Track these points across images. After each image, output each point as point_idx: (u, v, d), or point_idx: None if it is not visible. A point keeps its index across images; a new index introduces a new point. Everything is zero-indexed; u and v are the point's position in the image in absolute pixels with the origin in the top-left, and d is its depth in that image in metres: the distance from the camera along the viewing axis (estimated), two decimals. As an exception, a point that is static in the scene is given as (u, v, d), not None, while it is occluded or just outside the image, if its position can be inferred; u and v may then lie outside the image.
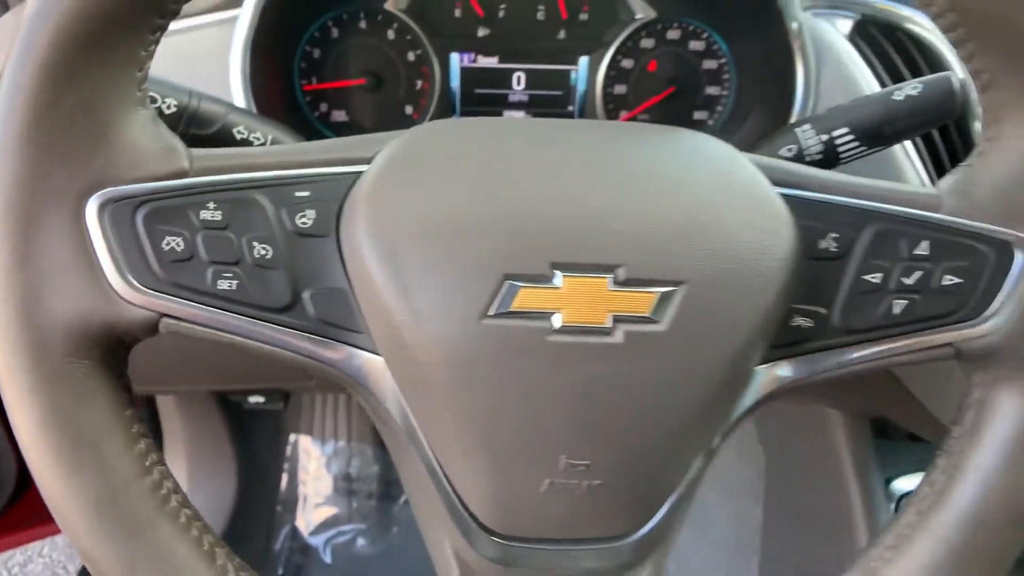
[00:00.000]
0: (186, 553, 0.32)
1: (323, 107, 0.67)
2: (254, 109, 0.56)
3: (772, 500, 1.01)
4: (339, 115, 0.67)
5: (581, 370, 0.31)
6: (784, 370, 0.35)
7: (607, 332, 0.31)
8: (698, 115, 0.70)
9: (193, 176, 0.32)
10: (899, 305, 0.34)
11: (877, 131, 0.45)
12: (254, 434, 1.22)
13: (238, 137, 0.46)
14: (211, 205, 0.32)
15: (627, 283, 0.31)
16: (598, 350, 0.31)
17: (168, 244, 0.31)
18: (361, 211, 0.32)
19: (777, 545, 0.99)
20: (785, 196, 0.35)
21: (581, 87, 0.68)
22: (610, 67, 0.67)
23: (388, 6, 0.64)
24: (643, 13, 0.66)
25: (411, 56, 0.66)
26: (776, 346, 0.35)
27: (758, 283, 0.32)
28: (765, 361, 0.35)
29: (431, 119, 0.67)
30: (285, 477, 1.31)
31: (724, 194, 0.34)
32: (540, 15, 0.66)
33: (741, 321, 0.32)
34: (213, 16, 0.56)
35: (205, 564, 0.32)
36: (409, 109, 0.67)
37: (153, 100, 0.44)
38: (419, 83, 0.67)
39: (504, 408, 0.31)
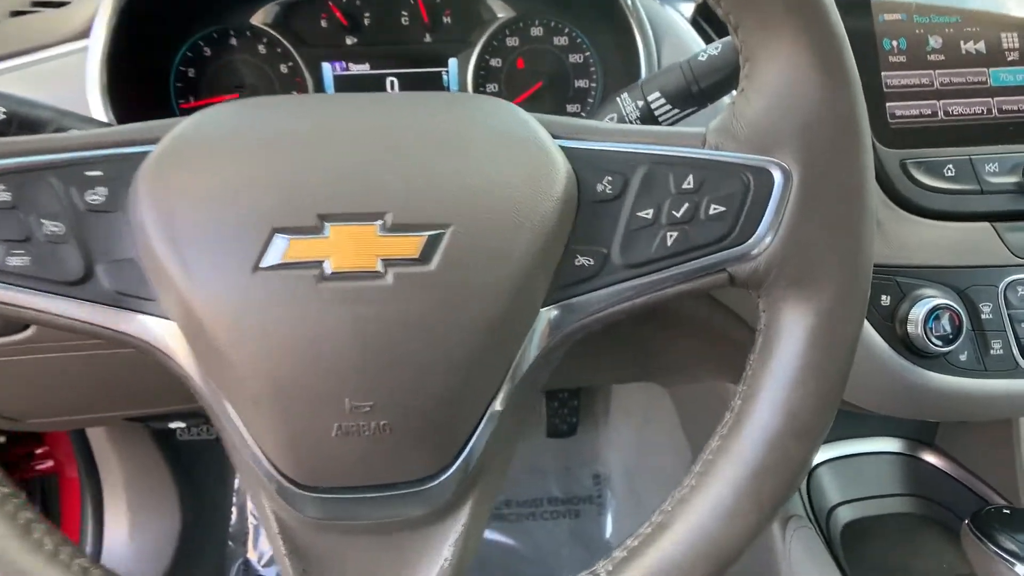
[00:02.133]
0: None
1: (204, 124, 0.69)
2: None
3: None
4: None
5: (354, 312, 0.32)
6: (571, 308, 0.37)
7: (377, 275, 0.33)
8: (571, 108, 0.72)
9: None
10: (671, 237, 0.36)
11: (686, 92, 0.48)
12: (197, 467, 1.22)
13: None
14: (0, 188, 0.33)
15: (395, 228, 0.33)
16: (370, 292, 0.32)
17: None
18: (145, 184, 0.34)
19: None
20: (564, 147, 0.37)
21: (454, 87, 0.71)
22: (479, 66, 0.70)
23: (255, 21, 0.67)
24: (504, 13, 0.70)
25: (284, 68, 0.69)
26: (562, 285, 0.37)
27: (531, 223, 0.34)
28: (552, 302, 0.36)
29: (309, 127, 0.70)
30: (235, 510, 1.30)
31: (499, 145, 0.36)
32: (404, 21, 0.69)
33: (513, 259, 0.34)
34: (64, 47, 0.58)
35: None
36: (288, 120, 0.70)
37: None
38: (294, 94, 0.69)
39: (285, 356, 0.32)
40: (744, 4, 0.34)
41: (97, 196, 0.34)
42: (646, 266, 0.37)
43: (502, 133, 0.37)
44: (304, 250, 0.32)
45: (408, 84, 0.70)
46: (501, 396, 0.36)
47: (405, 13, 0.69)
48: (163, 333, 0.35)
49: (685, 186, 0.36)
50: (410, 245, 0.33)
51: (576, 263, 0.37)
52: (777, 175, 0.36)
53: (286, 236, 0.32)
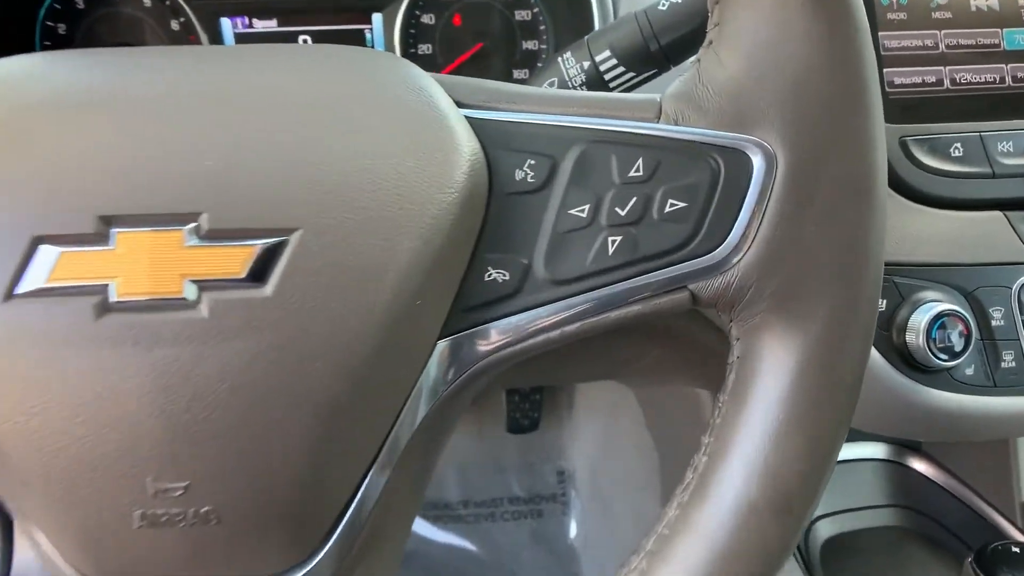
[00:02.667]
0: None
1: (80, 90, 0.58)
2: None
3: (671, 496, 0.94)
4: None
5: (152, 358, 0.23)
6: (481, 339, 0.27)
7: (186, 304, 0.23)
8: (518, 74, 0.62)
9: None
10: (614, 243, 0.27)
11: (643, 50, 0.38)
12: None
13: None
14: None
15: (212, 236, 0.23)
16: (174, 328, 0.23)
17: None
18: None
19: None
20: (471, 119, 0.27)
21: (379, 48, 0.60)
22: (408, 24, 0.60)
23: (135, -33, 0.56)
24: (436, -41, 0.59)
25: (175, 25, 0.58)
26: (467, 308, 0.27)
27: (419, 224, 0.25)
28: (455, 331, 0.27)
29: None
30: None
31: (380, 117, 0.26)
32: (318, -32, 0.58)
33: (390, 277, 0.24)
34: None
35: None
36: (182, 86, 0.59)
37: None
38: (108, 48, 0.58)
39: (55, 419, 0.23)
40: None
41: None
42: (580, 282, 0.27)
43: (386, 98, 0.27)
44: (80, 268, 0.22)
45: (324, 43, 0.59)
46: (383, 459, 0.27)
47: (319, -42, 0.58)
48: None
49: (633, 174, 0.27)
50: (233, 259, 0.23)
51: (486, 277, 0.27)
52: (757, 159, 0.26)
53: (54, 248, 0.22)
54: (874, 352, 0.47)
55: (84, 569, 0.25)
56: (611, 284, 0.27)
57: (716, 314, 0.29)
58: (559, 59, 0.40)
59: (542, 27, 0.61)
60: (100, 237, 0.22)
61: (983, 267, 0.48)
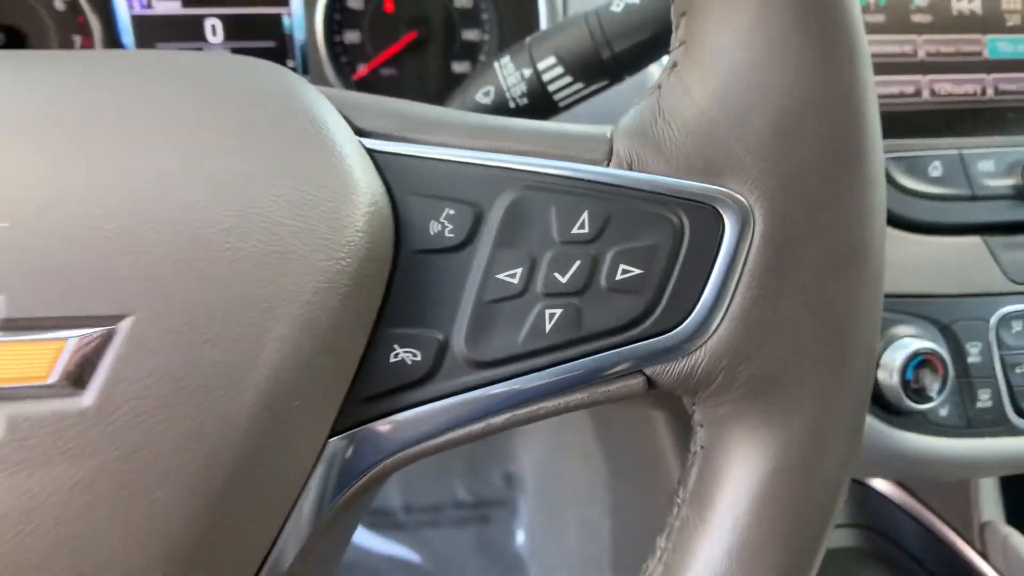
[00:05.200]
0: None
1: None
2: None
3: (619, 509, 0.91)
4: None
5: None
6: (389, 433, 0.22)
7: None
8: (458, 67, 0.56)
9: None
10: (552, 316, 0.21)
11: (593, 58, 0.33)
12: None
13: None
14: None
15: (8, 327, 0.17)
16: None
17: None
18: None
19: (628, 556, 0.89)
20: (374, 152, 0.21)
21: (299, 36, 0.53)
22: (332, 9, 0.53)
23: (7, -66, 0.48)
24: (364, -64, 0.52)
25: (59, 4, 0.50)
26: (367, 399, 0.21)
27: (298, 305, 0.19)
28: (353, 424, 0.21)
29: (99, 86, 0.51)
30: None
31: (247, 152, 0.20)
32: (227, -58, 0.51)
33: (262, 374, 0.19)
34: None
35: None
36: (70, 74, 0.51)
37: None
38: (78, 39, 0.51)
39: None
40: None
41: None
42: (509, 364, 0.22)
43: (252, 125, 0.20)
44: None
45: (236, 29, 0.53)
46: None
47: (227, -69, 0.51)
48: None
49: (577, 230, 0.21)
50: (40, 359, 0.17)
51: (392, 358, 0.21)
52: (729, 217, 0.21)
53: None
54: (843, 392, 0.43)
55: None
56: (548, 367, 0.22)
57: (672, 398, 0.24)
58: (496, 65, 0.34)
59: (485, 15, 0.55)
60: None
61: (961, 298, 0.44)
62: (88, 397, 0.17)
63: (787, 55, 0.20)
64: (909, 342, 0.42)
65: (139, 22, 0.51)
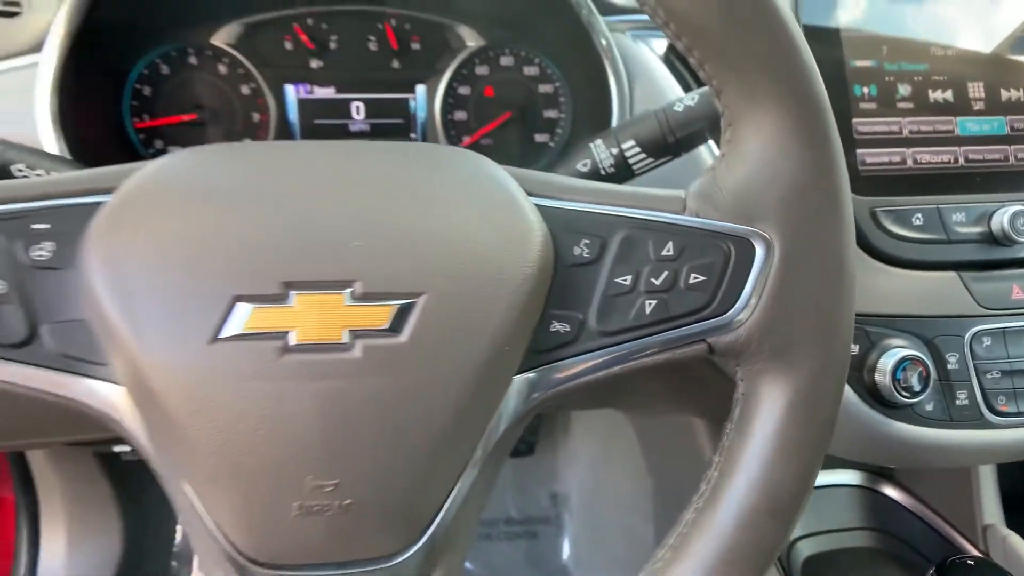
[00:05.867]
0: None
1: (158, 144, 0.66)
2: (66, 150, 0.54)
3: (662, 516, 1.02)
4: (175, 151, 0.66)
5: (319, 387, 0.30)
6: (546, 375, 0.35)
7: (345, 348, 0.31)
8: (539, 138, 0.71)
9: None
10: (650, 305, 0.35)
11: (661, 142, 0.47)
12: (141, 487, 1.17)
13: (18, 175, 0.45)
14: None
15: (364, 298, 0.31)
16: (336, 366, 0.31)
17: None
18: (98, 240, 0.31)
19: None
20: (539, 207, 0.36)
21: (420, 114, 0.69)
22: (447, 94, 0.68)
23: (216, 41, 0.64)
24: (474, 41, 0.68)
25: (245, 90, 0.66)
26: (536, 352, 0.35)
27: (506, 290, 0.33)
28: (527, 368, 0.35)
29: (270, 152, 0.67)
30: (179, 529, 1.26)
31: (472, 205, 0.34)
32: (372, 46, 0.67)
33: (489, 329, 0.32)
34: (13, 62, 0.54)
35: None
36: (248, 142, 0.67)
37: None
38: (256, 116, 0.67)
39: (243, 431, 0.30)
40: (728, 70, 0.33)
41: (43, 252, 0.32)
42: (623, 334, 0.35)
43: (477, 191, 0.35)
44: (267, 320, 0.30)
45: (374, 110, 0.68)
46: (470, 467, 0.35)
47: (373, 38, 0.67)
48: (113, 399, 0.32)
49: (665, 253, 0.35)
50: (379, 315, 0.31)
51: (551, 329, 0.35)
52: (759, 246, 0.35)
53: (248, 305, 0.30)
54: (848, 389, 0.55)
55: (246, 548, 0.33)
56: (646, 336, 0.35)
57: (724, 361, 0.37)
58: (591, 145, 0.49)
59: (562, 99, 0.70)
60: (282, 297, 0.30)
61: (940, 319, 0.57)
62: (403, 337, 0.31)
63: (791, 155, 0.34)
64: (899, 351, 0.54)
65: (303, 103, 0.67)
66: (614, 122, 0.60)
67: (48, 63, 0.54)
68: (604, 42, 0.59)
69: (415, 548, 0.34)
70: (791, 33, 0.33)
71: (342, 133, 0.68)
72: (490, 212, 0.34)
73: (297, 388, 0.30)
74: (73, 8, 0.54)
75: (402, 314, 0.31)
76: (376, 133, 0.69)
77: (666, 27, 0.34)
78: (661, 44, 0.64)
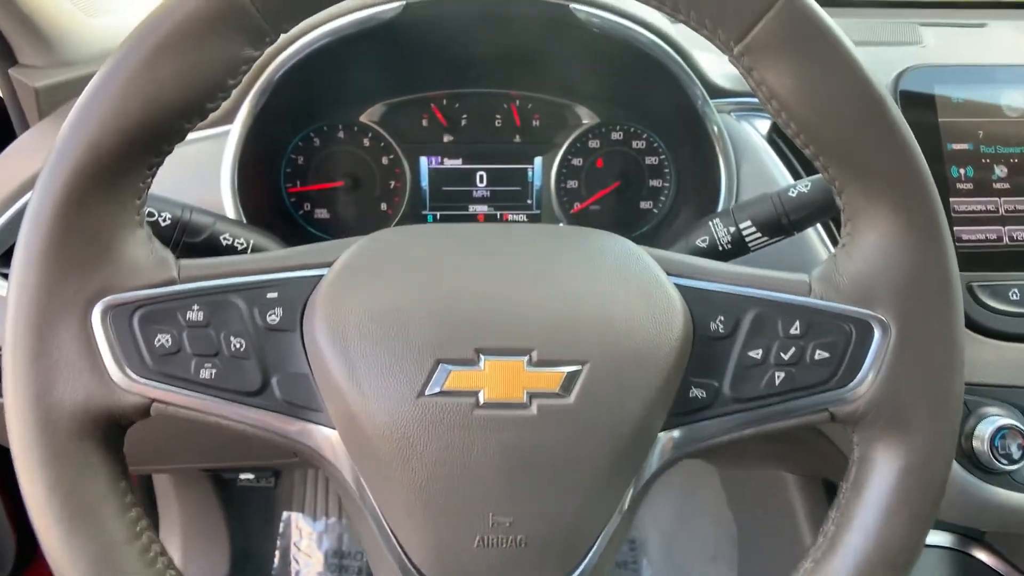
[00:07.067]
0: None
1: (307, 207, 0.74)
2: (241, 213, 0.63)
3: (745, 565, 1.04)
4: (321, 213, 0.75)
5: (502, 439, 0.37)
6: (685, 435, 0.41)
7: (523, 406, 0.37)
8: (644, 205, 0.77)
9: (180, 283, 0.38)
10: (779, 377, 0.40)
11: (776, 223, 0.52)
12: (247, 512, 1.25)
13: (224, 243, 0.53)
14: (195, 307, 0.38)
15: (539, 364, 0.37)
16: (516, 422, 0.37)
17: (159, 341, 0.38)
18: (319, 308, 0.39)
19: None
20: (678, 285, 0.41)
21: (537, 183, 0.76)
22: (562, 165, 0.75)
23: (363, 119, 0.73)
24: (589, 119, 0.75)
25: (384, 160, 0.74)
26: (677, 414, 0.40)
27: (654, 360, 0.39)
28: (668, 428, 0.40)
29: (403, 215, 0.75)
30: (277, 554, 1.34)
31: (623, 285, 0.40)
32: (498, 123, 0.74)
33: (640, 393, 0.38)
34: (206, 132, 0.63)
35: None
36: (384, 206, 0.75)
37: (152, 215, 0.51)
38: (392, 183, 0.75)
39: (439, 473, 0.37)
40: (851, 175, 0.39)
41: (275, 316, 0.39)
42: (754, 401, 0.40)
43: (625, 272, 0.41)
44: (462, 381, 0.37)
45: (495, 178, 0.75)
46: (617, 513, 0.40)
47: (499, 116, 0.74)
48: (326, 441, 0.39)
49: (792, 331, 0.40)
50: (553, 379, 0.37)
51: (691, 394, 0.40)
52: (877, 328, 0.39)
53: (448, 367, 0.37)
54: (947, 454, 0.59)
55: (429, 573, 0.39)
56: (776, 404, 0.40)
57: (842, 428, 0.42)
58: (710, 223, 0.54)
59: (666, 169, 0.76)
60: (474, 361, 0.37)
61: None
62: (572, 399, 0.37)
63: (906, 247, 0.39)
64: (996, 419, 0.58)
65: (434, 172, 0.75)
66: (720, 197, 0.65)
67: (235, 135, 0.63)
68: (716, 129, 0.65)
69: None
70: (906, 138, 0.38)
71: (466, 199, 0.76)
72: (639, 291, 0.40)
73: (485, 439, 0.36)
74: (257, 93, 0.62)
75: (570, 379, 0.37)
76: (495, 199, 0.76)
77: (796, 137, 0.39)
78: (764, 124, 0.69)
